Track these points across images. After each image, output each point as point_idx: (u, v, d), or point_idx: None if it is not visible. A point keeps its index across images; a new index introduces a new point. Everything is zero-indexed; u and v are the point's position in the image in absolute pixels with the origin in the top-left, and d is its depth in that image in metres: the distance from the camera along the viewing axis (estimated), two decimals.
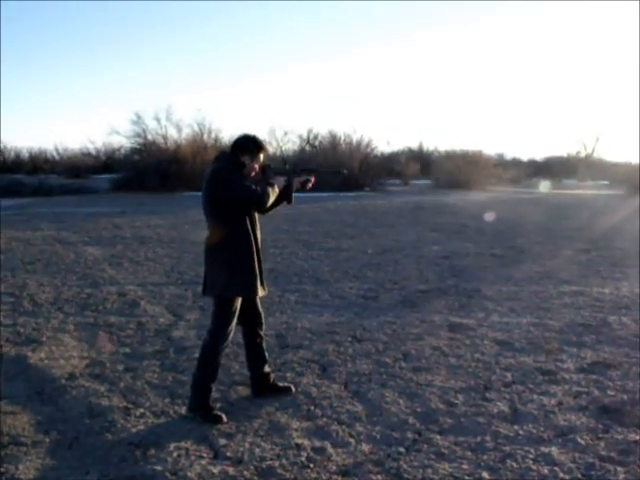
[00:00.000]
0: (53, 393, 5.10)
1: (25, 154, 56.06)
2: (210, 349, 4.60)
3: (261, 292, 4.75)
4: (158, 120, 36.20)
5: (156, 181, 31.74)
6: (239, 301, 4.62)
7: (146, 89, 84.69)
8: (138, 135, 36.37)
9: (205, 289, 4.72)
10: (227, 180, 4.51)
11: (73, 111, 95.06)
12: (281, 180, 4.78)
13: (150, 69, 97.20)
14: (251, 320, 4.84)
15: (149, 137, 36.31)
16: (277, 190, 4.69)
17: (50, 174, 43.43)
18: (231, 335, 4.66)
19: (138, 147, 36.77)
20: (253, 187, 4.55)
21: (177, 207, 23.57)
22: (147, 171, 32.46)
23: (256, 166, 4.71)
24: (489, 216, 16.45)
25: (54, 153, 55.65)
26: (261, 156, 4.74)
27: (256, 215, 4.75)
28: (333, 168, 5.16)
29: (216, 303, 4.65)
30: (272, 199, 4.64)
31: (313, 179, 4.95)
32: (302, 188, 4.92)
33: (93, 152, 51.11)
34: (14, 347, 6.29)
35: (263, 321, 4.94)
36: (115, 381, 5.34)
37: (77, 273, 10.24)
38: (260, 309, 4.89)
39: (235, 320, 4.64)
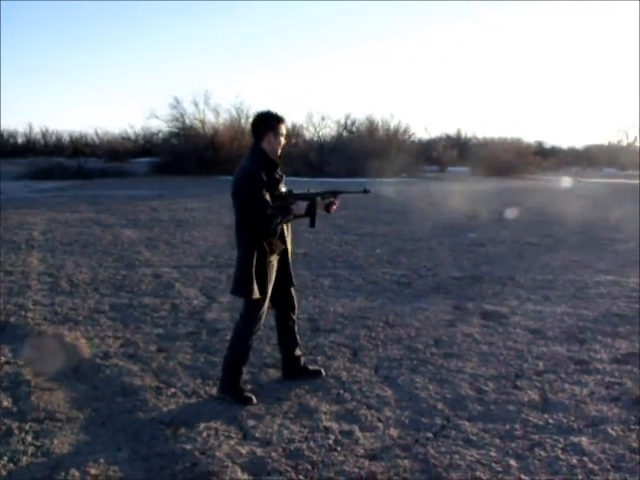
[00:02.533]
0: (88, 371, 5.21)
1: (66, 138, 57.02)
2: (242, 332, 4.65)
3: (287, 284, 4.79)
4: (196, 105, 36.52)
5: (194, 165, 32.05)
6: (271, 286, 4.64)
7: (185, 73, 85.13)
8: (176, 119, 36.74)
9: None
10: (248, 189, 4.46)
11: (113, 96, 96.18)
12: (303, 206, 4.65)
13: (189, 53, 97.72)
14: (284, 303, 4.87)
15: (187, 122, 36.61)
16: (291, 218, 4.61)
17: (90, 157, 44.00)
18: (263, 318, 4.69)
19: (176, 131, 37.08)
20: (268, 207, 4.45)
21: (213, 191, 23.73)
22: (185, 155, 32.80)
23: (282, 139, 4.63)
24: (510, 212, 16.23)
25: (94, 137, 56.48)
26: (282, 127, 4.64)
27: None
28: (357, 188, 5.18)
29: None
30: (278, 227, 4.57)
31: (337, 202, 4.84)
32: (326, 211, 4.80)
33: (132, 136, 51.70)
34: (51, 326, 6.42)
35: (296, 304, 4.97)
36: (148, 361, 5.43)
37: (113, 255, 10.39)
38: (293, 293, 4.92)
39: (267, 303, 4.67)
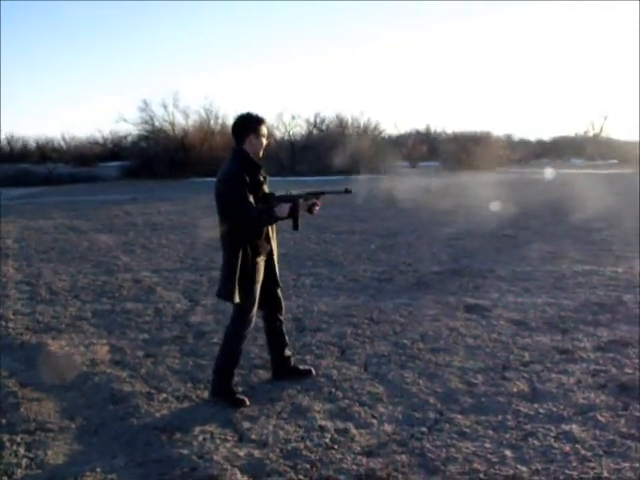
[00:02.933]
0: (76, 380, 5.16)
1: (32, 144, 56.18)
2: (233, 335, 4.64)
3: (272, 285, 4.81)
4: (165, 107, 36.35)
5: (164, 168, 31.90)
6: (258, 288, 4.64)
7: (153, 76, 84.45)
8: (145, 122, 36.54)
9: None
10: (231, 191, 4.45)
11: (79, 100, 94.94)
12: (285, 208, 4.62)
13: (157, 55, 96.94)
14: (271, 304, 4.87)
15: (156, 124, 36.41)
16: (276, 218, 4.60)
17: (58, 163, 43.47)
18: (253, 321, 4.69)
19: (146, 134, 36.84)
20: (252, 210, 4.46)
21: (186, 193, 23.64)
22: (155, 158, 32.62)
23: (263, 140, 4.64)
24: (494, 205, 16.37)
25: (61, 142, 55.73)
26: (264, 128, 4.64)
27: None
28: (338, 188, 5.22)
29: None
30: (263, 229, 4.59)
31: (319, 202, 4.83)
32: (309, 212, 4.78)
33: (100, 140, 51.17)
34: (34, 335, 6.36)
35: (283, 305, 4.97)
36: (136, 367, 5.40)
37: (91, 261, 10.30)
38: (280, 294, 4.92)
39: (256, 306, 4.66)
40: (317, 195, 4.87)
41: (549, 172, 32.64)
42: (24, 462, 3.82)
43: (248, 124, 4.61)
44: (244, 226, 4.50)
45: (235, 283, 4.49)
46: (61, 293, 8.11)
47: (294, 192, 4.85)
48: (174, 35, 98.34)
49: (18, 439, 4.12)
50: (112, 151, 48.33)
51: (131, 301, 7.57)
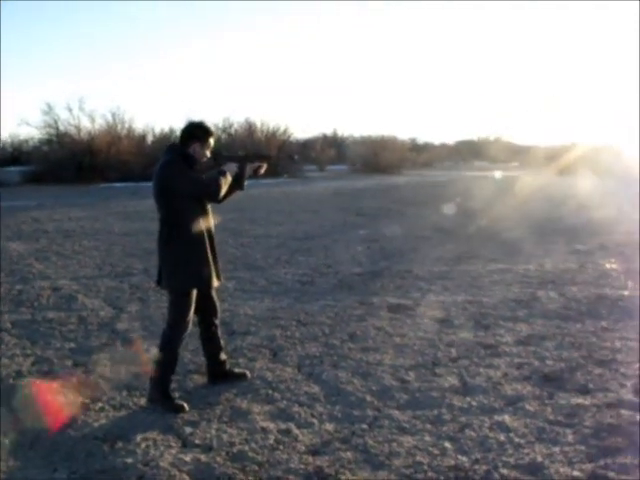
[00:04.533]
0: (2, 393, 4.97)
1: None
2: (169, 341, 4.61)
3: (216, 282, 4.78)
4: (70, 110, 35.21)
5: (70, 173, 30.93)
6: (195, 292, 4.64)
7: (56, 78, 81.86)
8: (49, 126, 35.28)
9: (160, 281, 4.71)
10: (177, 174, 4.49)
11: None
12: (233, 167, 4.75)
13: (60, 56, 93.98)
14: (206, 309, 4.86)
15: (61, 128, 35.26)
16: (229, 178, 4.67)
17: None
18: (190, 326, 4.67)
19: (49, 138, 35.64)
20: (204, 180, 4.56)
21: (95, 199, 23.05)
22: (60, 163, 31.58)
23: (207, 152, 4.69)
24: (449, 208, 16.74)
25: None
26: (211, 141, 4.71)
27: (208, 205, 4.75)
28: (286, 153, 5.25)
29: (173, 296, 4.64)
30: (224, 188, 4.63)
31: (265, 165, 4.95)
32: (254, 174, 4.90)
33: None
34: None
35: (218, 309, 4.98)
36: (66, 377, 5.27)
37: (3, 269, 9.91)
38: (215, 298, 4.92)
39: (192, 311, 4.65)
40: (263, 158, 4.99)
41: (498, 174, 33.35)
42: None
43: (197, 133, 4.66)
44: (206, 196, 4.60)
45: (191, 269, 4.56)
46: None
47: (240, 154, 4.97)
48: (77, 36, 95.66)
49: None
50: (12, 155, 46.45)
51: (52, 310, 7.35)
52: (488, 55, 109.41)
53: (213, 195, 4.59)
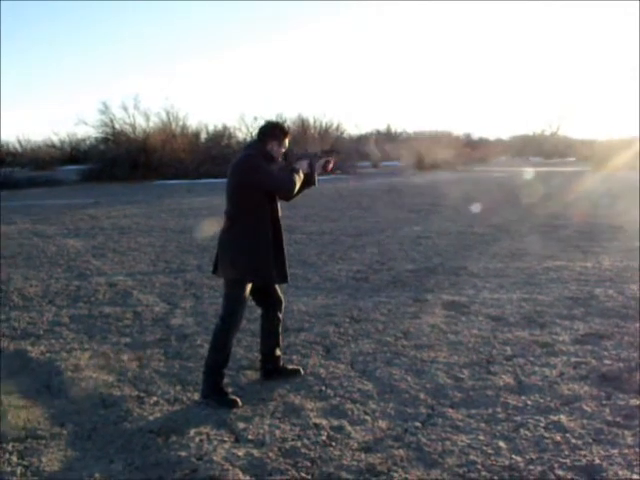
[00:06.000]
0: (61, 386, 5.10)
1: None
2: (222, 334, 4.65)
3: (279, 280, 4.80)
4: (125, 109, 35.92)
5: (125, 171, 31.53)
6: (250, 286, 4.67)
7: (113, 78, 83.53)
8: (106, 125, 36.06)
9: (216, 269, 4.77)
10: (257, 167, 4.58)
11: (35, 103, 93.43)
12: (304, 164, 4.83)
13: (117, 57, 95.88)
14: (269, 303, 4.93)
15: (117, 126, 35.98)
16: (302, 175, 4.75)
17: (14, 167, 42.62)
18: (241, 320, 4.71)
19: (106, 137, 36.40)
20: (282, 175, 4.64)
21: (149, 196, 23.42)
22: (116, 161, 32.22)
23: (282, 151, 4.79)
24: (475, 207, 16.52)
25: (17, 145, 54.67)
26: (287, 141, 4.81)
27: (279, 204, 4.80)
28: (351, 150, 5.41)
29: (228, 286, 4.68)
30: (298, 185, 4.69)
31: (334, 160, 5.03)
32: (324, 170, 5.00)
33: (58, 143, 50.34)
34: (12, 342, 6.26)
35: (282, 304, 5.02)
36: (122, 371, 5.36)
37: (62, 265, 10.16)
38: (279, 292, 4.97)
39: (245, 305, 4.69)
40: (330, 153, 5.12)
41: (528, 172, 32.80)
42: (19, 470, 3.77)
43: (275, 132, 4.78)
44: (282, 191, 4.67)
45: (253, 261, 4.62)
46: (34, 299, 7.98)
47: (309, 151, 5.07)
48: (134, 36, 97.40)
49: (9, 447, 4.06)
50: (71, 154, 47.60)
51: (108, 305, 7.50)
52: (546, 47, 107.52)
53: (288, 191, 4.67)
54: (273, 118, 39.83)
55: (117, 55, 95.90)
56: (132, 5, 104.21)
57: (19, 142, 54.31)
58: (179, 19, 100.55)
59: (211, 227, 10.44)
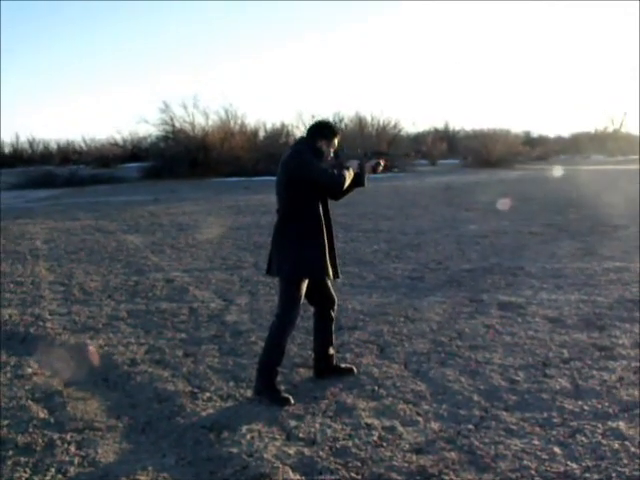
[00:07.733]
0: (118, 379, 5.20)
1: (53, 146, 56.74)
2: (278, 332, 4.67)
3: (332, 275, 4.79)
4: (185, 108, 36.47)
5: (185, 168, 32.03)
6: (306, 283, 4.68)
7: (172, 76, 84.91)
8: (166, 123, 36.66)
9: (270, 269, 4.79)
10: (308, 162, 4.58)
11: (99, 103, 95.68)
12: (355, 164, 4.80)
13: (177, 57, 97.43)
14: (322, 301, 4.92)
15: (177, 125, 36.56)
16: (352, 173, 4.72)
17: (79, 165, 43.76)
18: (297, 318, 4.73)
19: (166, 135, 37.03)
20: (332, 171, 4.62)
21: (208, 193, 23.74)
22: (176, 158, 32.75)
23: (332, 150, 4.78)
24: (503, 204, 16.23)
25: (82, 144, 56.20)
26: (336, 141, 4.79)
27: (328, 201, 4.80)
28: (401, 151, 5.29)
29: (283, 285, 4.70)
30: (348, 182, 4.67)
31: (384, 162, 5.00)
32: (373, 171, 4.95)
33: (120, 142, 51.44)
34: (72, 335, 6.42)
35: (335, 302, 5.01)
36: (177, 366, 5.44)
37: (121, 261, 10.38)
38: (332, 290, 4.96)
39: (300, 302, 4.70)
40: (381, 155, 5.09)
41: (557, 169, 32.17)
42: (76, 460, 3.86)
43: (325, 131, 4.78)
44: (332, 187, 4.66)
45: (305, 258, 4.61)
46: (94, 293, 8.18)
47: (360, 151, 5.08)
48: (193, 35, 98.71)
49: (68, 437, 4.16)
50: (132, 152, 48.58)
51: (165, 301, 7.62)
52: (610, 42, 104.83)
53: (338, 187, 4.66)
54: (330, 116, 39.98)
55: (178, 53, 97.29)
56: (193, 3, 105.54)
57: (84, 140, 55.91)
58: (237, 15, 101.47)
59: (267, 224, 10.51)
